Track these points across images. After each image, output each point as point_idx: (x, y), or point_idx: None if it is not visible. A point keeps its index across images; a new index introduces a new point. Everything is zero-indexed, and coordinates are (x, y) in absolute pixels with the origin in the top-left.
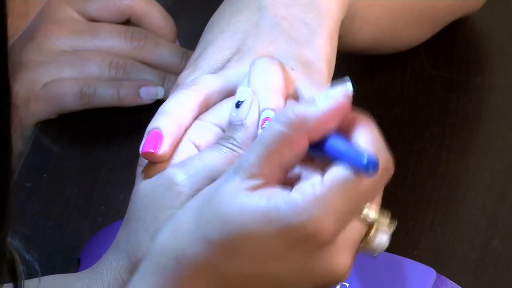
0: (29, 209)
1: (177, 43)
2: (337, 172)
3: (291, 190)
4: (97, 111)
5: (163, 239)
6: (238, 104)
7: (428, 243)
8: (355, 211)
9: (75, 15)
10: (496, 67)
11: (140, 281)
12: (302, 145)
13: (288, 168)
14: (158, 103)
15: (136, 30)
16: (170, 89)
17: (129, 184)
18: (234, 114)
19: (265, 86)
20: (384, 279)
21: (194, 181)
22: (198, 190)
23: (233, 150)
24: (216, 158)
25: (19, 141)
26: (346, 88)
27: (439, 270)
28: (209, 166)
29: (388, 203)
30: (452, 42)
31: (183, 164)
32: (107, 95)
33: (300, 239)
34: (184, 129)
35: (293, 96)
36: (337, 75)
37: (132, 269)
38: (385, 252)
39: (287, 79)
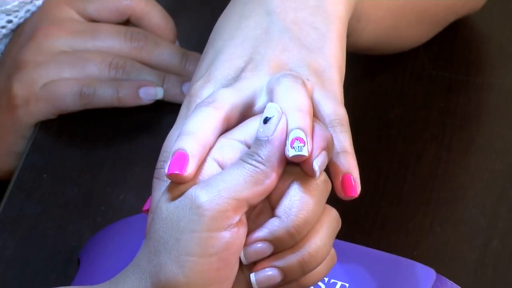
0: (29, 209)
1: (177, 43)
2: None
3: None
4: (97, 111)
5: None
6: (266, 120)
7: (428, 243)
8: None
9: (74, 15)
10: (496, 67)
11: None
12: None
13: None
14: (158, 103)
15: (136, 30)
16: (170, 90)
17: (129, 184)
18: (261, 130)
19: (293, 106)
20: (384, 279)
21: (216, 202)
22: (220, 212)
23: (256, 167)
24: (238, 176)
25: (19, 142)
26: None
27: (439, 270)
28: (231, 186)
29: (388, 203)
30: (452, 42)
31: (205, 184)
32: (106, 95)
33: None
34: (208, 149)
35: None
36: None
37: None
38: (385, 252)
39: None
